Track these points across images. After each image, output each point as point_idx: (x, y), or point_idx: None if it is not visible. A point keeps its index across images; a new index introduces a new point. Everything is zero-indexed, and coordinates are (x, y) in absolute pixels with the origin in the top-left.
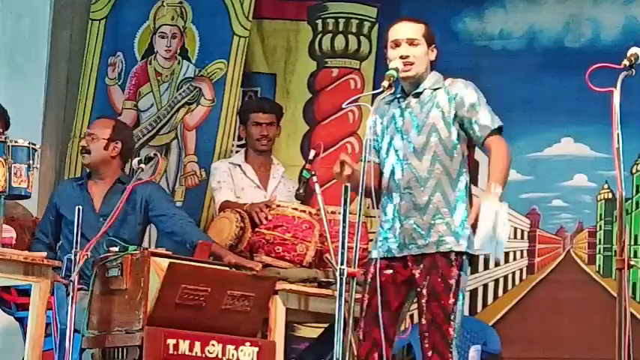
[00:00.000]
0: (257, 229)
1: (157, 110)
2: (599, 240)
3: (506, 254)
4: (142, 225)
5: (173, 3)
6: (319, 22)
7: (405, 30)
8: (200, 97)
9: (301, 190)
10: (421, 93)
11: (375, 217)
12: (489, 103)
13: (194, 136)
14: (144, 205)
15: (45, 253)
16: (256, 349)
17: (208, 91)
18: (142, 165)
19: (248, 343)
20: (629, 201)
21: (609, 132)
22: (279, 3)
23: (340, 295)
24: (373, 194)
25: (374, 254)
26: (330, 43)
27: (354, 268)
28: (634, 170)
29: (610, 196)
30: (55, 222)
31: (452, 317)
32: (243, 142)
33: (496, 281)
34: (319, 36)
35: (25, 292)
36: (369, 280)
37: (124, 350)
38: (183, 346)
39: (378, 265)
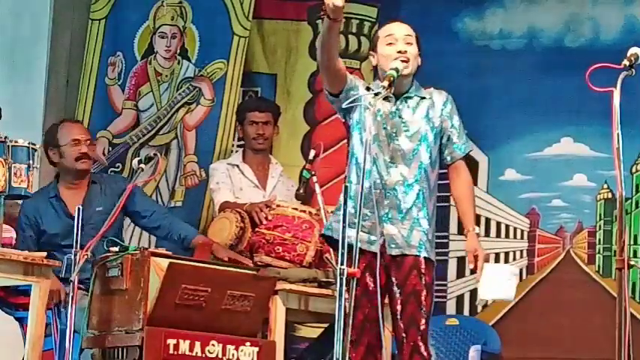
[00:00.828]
0: (257, 229)
1: (157, 110)
2: (599, 240)
3: (506, 254)
4: (121, 221)
5: (173, 3)
6: (319, 22)
7: (401, 28)
8: (200, 97)
9: (301, 190)
10: (410, 98)
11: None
12: (489, 103)
13: (194, 136)
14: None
15: (45, 253)
16: (256, 349)
17: (208, 91)
18: (142, 165)
19: (248, 343)
20: (629, 201)
21: (609, 132)
22: (279, 3)
23: (340, 295)
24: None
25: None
26: None
27: (354, 268)
28: (634, 170)
29: (610, 195)
30: (37, 239)
31: (429, 316)
32: (243, 142)
33: None
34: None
35: (25, 292)
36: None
37: (124, 350)
38: (184, 346)
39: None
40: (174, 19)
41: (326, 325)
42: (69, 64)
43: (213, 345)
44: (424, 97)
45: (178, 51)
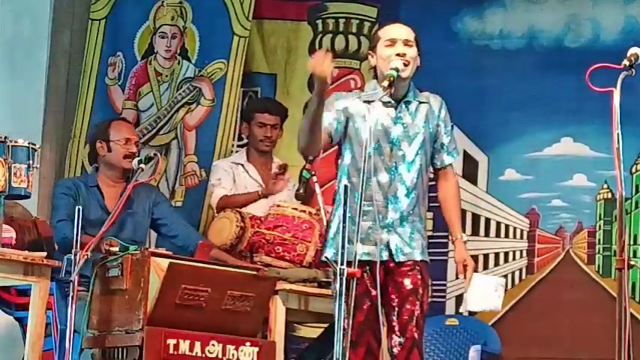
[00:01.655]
0: (257, 229)
1: (157, 110)
2: (599, 240)
3: (506, 254)
4: (149, 229)
5: (173, 3)
6: (319, 22)
7: (401, 30)
8: (200, 97)
9: (301, 190)
10: (410, 103)
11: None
12: (489, 103)
13: (194, 136)
14: (151, 210)
15: (45, 253)
16: (256, 349)
17: (208, 91)
18: (142, 165)
19: (248, 343)
20: (629, 201)
21: (609, 132)
22: (279, 3)
23: (340, 295)
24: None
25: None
26: (330, 43)
27: (354, 268)
28: (634, 170)
29: (609, 196)
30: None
31: (425, 314)
32: (243, 142)
33: None
34: (319, 36)
35: (25, 292)
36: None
37: (124, 350)
38: (184, 346)
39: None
40: (175, 19)
41: (326, 325)
42: (69, 64)
43: (213, 345)
44: (422, 102)
45: (178, 51)
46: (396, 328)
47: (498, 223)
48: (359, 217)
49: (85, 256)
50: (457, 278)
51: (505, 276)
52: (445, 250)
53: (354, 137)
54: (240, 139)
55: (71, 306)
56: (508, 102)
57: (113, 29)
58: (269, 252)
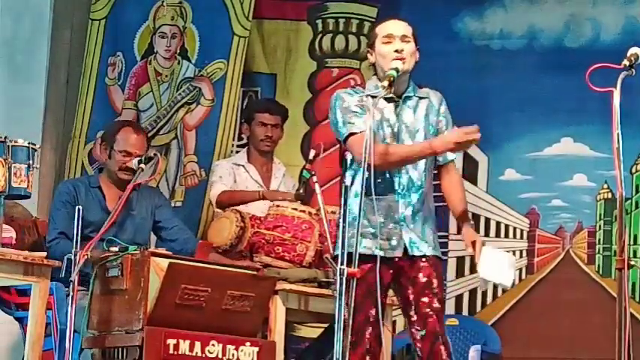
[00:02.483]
0: (257, 229)
1: (157, 110)
2: (599, 240)
3: None
4: (150, 231)
5: (173, 3)
6: (319, 22)
7: (398, 26)
8: (200, 97)
9: (301, 190)
10: (410, 99)
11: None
12: (489, 103)
13: (194, 136)
14: (153, 213)
15: (45, 253)
16: (256, 349)
17: (208, 91)
18: (142, 165)
19: (248, 343)
20: (629, 201)
21: (609, 132)
22: (279, 3)
23: (340, 295)
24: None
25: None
26: (330, 43)
27: (354, 268)
28: (634, 170)
29: (610, 196)
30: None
31: (444, 307)
32: (243, 142)
33: None
34: (319, 36)
35: (25, 292)
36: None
37: (124, 350)
38: (184, 346)
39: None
40: (175, 19)
41: (326, 325)
42: (69, 64)
43: (213, 345)
44: (422, 97)
45: (178, 51)
46: (416, 323)
47: (498, 223)
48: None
49: (85, 256)
50: (457, 278)
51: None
52: (445, 249)
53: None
54: (240, 139)
55: (71, 306)
56: (508, 102)
57: (113, 29)
58: (269, 252)
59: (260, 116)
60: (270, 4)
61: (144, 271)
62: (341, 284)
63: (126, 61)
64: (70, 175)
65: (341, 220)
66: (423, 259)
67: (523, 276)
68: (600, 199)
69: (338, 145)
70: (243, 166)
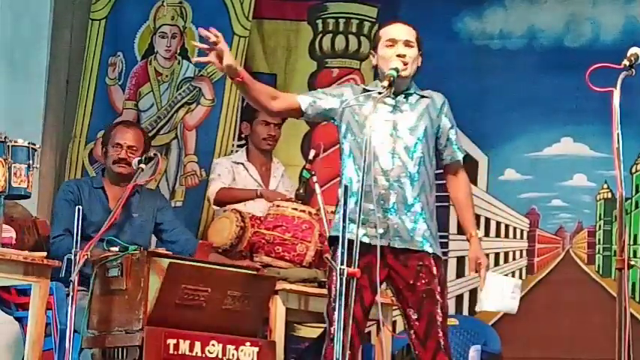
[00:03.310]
0: (257, 229)
1: (157, 110)
2: (599, 240)
3: (506, 254)
4: (152, 234)
5: (173, 3)
6: (319, 22)
7: (401, 31)
8: (200, 97)
9: (301, 190)
10: (410, 95)
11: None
12: (489, 103)
13: (194, 136)
14: (155, 215)
15: (45, 253)
16: (256, 349)
17: (208, 91)
18: (142, 165)
19: (248, 343)
20: (629, 201)
21: (609, 132)
22: (279, 3)
23: (340, 295)
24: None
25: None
26: (330, 43)
27: (354, 268)
28: (634, 170)
29: (609, 195)
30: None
31: (447, 312)
32: (243, 141)
33: None
34: (319, 36)
35: (25, 292)
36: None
37: (124, 350)
38: (184, 346)
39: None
40: (175, 19)
41: (326, 325)
42: (69, 64)
43: (213, 345)
44: (424, 97)
45: (178, 51)
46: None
47: (498, 223)
48: (360, 199)
49: (85, 256)
50: (457, 278)
51: (505, 276)
52: (445, 249)
53: (359, 124)
54: (240, 138)
55: (71, 306)
56: (508, 102)
57: (113, 29)
58: (269, 252)
59: (263, 115)
60: (270, 4)
61: (144, 271)
62: (341, 284)
63: (126, 61)
64: (70, 175)
65: (341, 220)
66: (411, 253)
67: (523, 276)
68: (600, 199)
69: (338, 145)
70: (242, 164)
